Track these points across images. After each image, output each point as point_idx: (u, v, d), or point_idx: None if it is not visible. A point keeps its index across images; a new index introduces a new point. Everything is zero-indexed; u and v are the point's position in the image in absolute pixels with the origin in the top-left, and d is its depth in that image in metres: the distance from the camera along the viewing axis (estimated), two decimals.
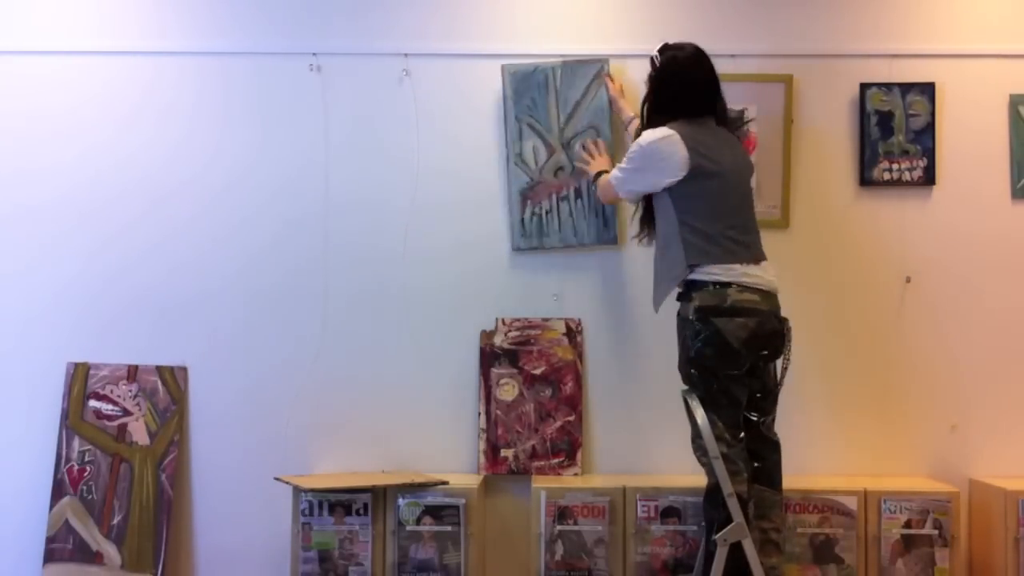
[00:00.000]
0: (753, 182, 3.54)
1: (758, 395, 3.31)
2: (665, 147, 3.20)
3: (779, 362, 3.34)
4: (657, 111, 3.32)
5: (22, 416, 3.88)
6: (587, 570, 3.56)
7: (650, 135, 3.25)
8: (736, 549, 3.13)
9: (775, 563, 3.28)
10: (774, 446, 3.37)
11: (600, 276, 3.88)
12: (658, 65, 3.33)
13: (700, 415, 3.16)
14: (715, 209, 3.21)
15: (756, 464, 3.30)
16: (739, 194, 3.30)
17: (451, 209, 3.88)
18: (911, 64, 3.87)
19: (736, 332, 3.13)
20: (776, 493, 3.34)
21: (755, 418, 3.32)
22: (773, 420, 3.38)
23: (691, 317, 3.18)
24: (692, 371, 3.22)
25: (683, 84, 3.29)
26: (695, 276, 3.18)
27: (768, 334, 3.21)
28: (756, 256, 3.25)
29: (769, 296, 3.22)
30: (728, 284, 3.15)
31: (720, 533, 3.13)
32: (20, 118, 3.92)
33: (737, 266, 3.17)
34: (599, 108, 3.84)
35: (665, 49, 3.33)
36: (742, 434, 3.23)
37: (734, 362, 3.16)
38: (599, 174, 3.60)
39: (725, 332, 3.12)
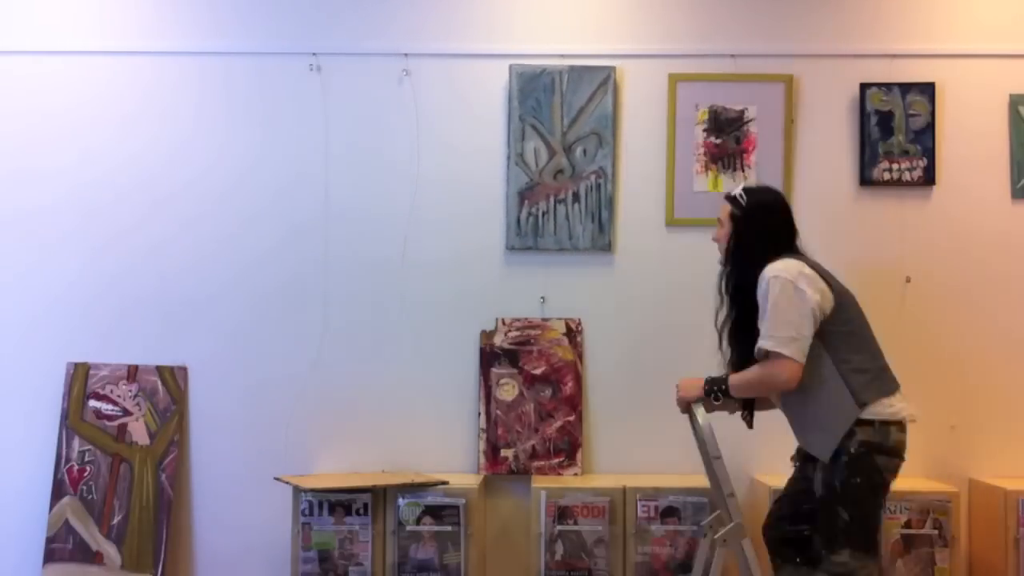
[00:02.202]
0: None
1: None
2: (804, 272, 2.97)
3: None
4: (763, 252, 3.07)
5: (22, 416, 3.88)
6: (587, 570, 3.56)
7: (782, 269, 2.97)
8: None
9: None
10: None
11: (592, 280, 3.88)
12: (745, 206, 3.13)
13: (701, 414, 3.14)
14: (862, 339, 3.02)
15: None
16: (868, 323, 3.08)
17: (451, 208, 3.88)
18: (911, 64, 3.87)
19: (893, 472, 2.97)
20: None
21: None
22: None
23: (852, 451, 2.92)
24: (846, 506, 2.94)
25: (781, 222, 3.14)
26: (868, 407, 2.94)
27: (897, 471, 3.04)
28: (898, 386, 3.05)
29: (906, 431, 3.03)
30: (890, 423, 2.94)
31: (720, 534, 3.13)
32: (21, 118, 3.92)
33: (896, 401, 2.97)
34: (603, 115, 3.85)
35: (750, 193, 3.16)
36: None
37: (882, 499, 3.00)
38: (716, 389, 3.12)
39: (885, 472, 2.95)
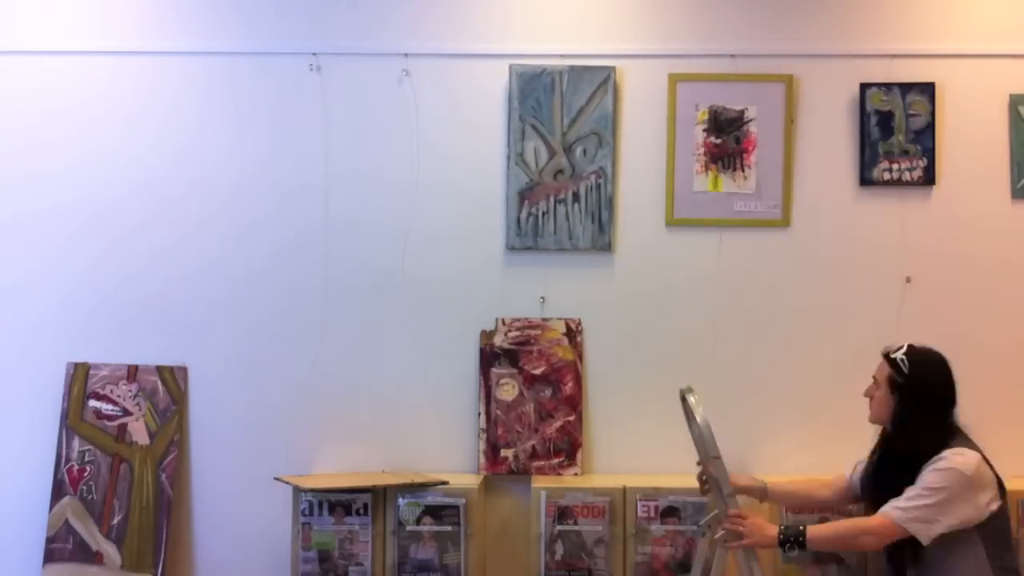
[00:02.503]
0: None
1: None
2: (984, 473, 2.94)
3: None
4: (933, 422, 3.04)
5: (22, 416, 3.88)
6: (587, 570, 3.56)
7: (966, 460, 2.93)
8: None
9: None
10: None
11: (592, 280, 3.87)
12: (909, 371, 3.08)
13: (700, 413, 3.14)
14: (1009, 535, 3.01)
15: None
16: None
17: (451, 208, 3.88)
18: (911, 64, 3.87)
19: None
20: None
21: None
22: None
23: None
24: None
25: (949, 394, 3.08)
26: None
27: None
28: None
29: None
30: None
31: (719, 534, 3.13)
32: (21, 119, 3.92)
33: None
34: (603, 115, 3.85)
35: (914, 354, 3.11)
36: None
37: None
38: (793, 540, 3.02)
39: None
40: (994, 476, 2.98)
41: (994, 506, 2.94)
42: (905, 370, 3.07)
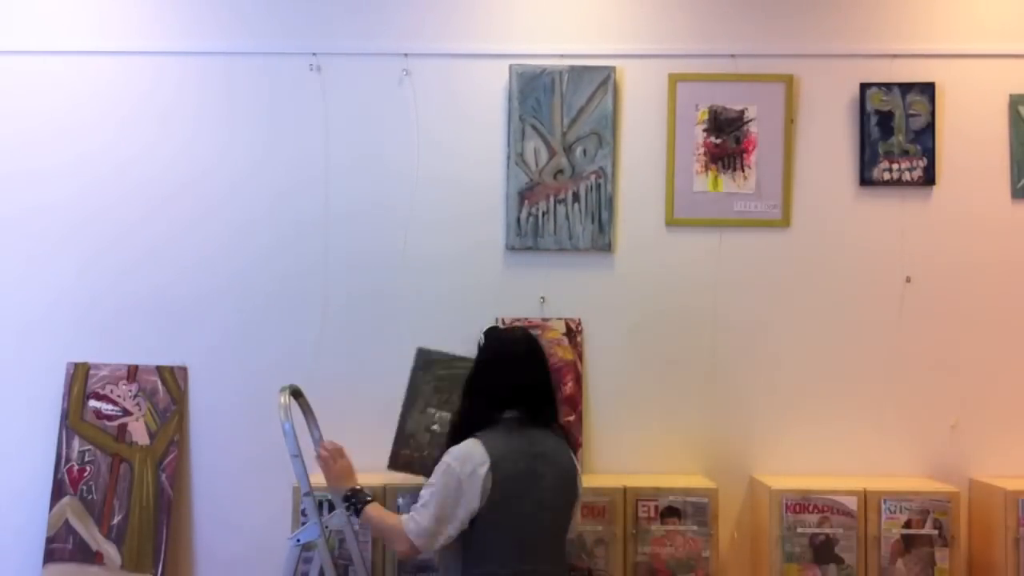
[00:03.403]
0: (578, 510, 3.03)
1: None
2: (480, 474, 2.75)
3: None
4: (475, 411, 2.89)
5: (22, 416, 3.88)
6: (587, 570, 3.56)
7: (458, 456, 2.79)
8: None
9: None
10: None
11: (592, 280, 3.87)
12: (482, 349, 3.00)
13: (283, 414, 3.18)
14: (507, 554, 2.79)
15: None
16: (542, 536, 2.85)
17: (451, 208, 3.88)
18: (911, 64, 3.87)
19: None
20: None
21: None
22: None
23: None
24: None
25: (509, 375, 2.88)
26: None
27: None
28: None
29: None
30: None
31: (293, 534, 3.21)
32: (21, 119, 3.92)
33: None
34: (603, 115, 3.85)
35: (489, 332, 3.07)
36: None
37: None
38: (357, 502, 2.99)
39: None
40: (496, 481, 2.75)
41: (478, 504, 2.76)
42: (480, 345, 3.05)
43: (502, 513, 2.77)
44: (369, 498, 3.01)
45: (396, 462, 3.57)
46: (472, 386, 2.94)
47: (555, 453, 2.89)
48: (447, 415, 3.42)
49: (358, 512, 2.99)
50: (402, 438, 3.57)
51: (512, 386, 2.87)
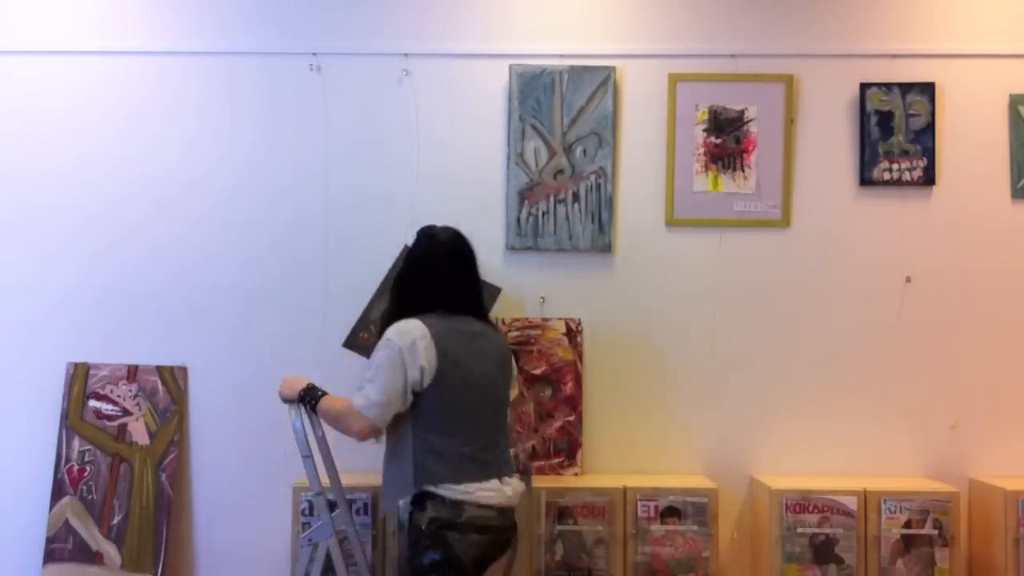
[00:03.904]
0: (514, 391, 3.29)
1: None
2: (421, 347, 2.90)
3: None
4: (406, 301, 3.04)
5: (22, 416, 3.88)
6: (587, 570, 3.56)
7: (400, 329, 2.93)
8: None
9: None
10: None
11: (592, 280, 3.87)
12: (412, 247, 3.12)
13: (294, 414, 3.16)
14: (455, 423, 2.93)
15: None
16: (488, 407, 3.02)
17: (451, 208, 3.87)
18: (911, 64, 3.87)
19: (467, 551, 2.90)
20: None
21: None
22: None
23: (423, 527, 2.91)
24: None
25: (437, 272, 3.03)
26: (429, 488, 2.91)
27: (497, 547, 3.01)
28: (498, 472, 2.99)
29: (506, 511, 3.00)
30: (463, 502, 2.89)
31: (306, 534, 3.25)
32: (21, 119, 3.92)
33: (472, 484, 2.91)
34: (603, 115, 3.85)
35: (422, 232, 3.12)
36: None
37: (465, 572, 2.92)
38: (312, 398, 3.11)
39: (456, 548, 2.89)
40: (438, 352, 2.90)
41: (426, 379, 2.89)
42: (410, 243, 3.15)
43: (448, 383, 2.91)
44: (322, 392, 3.11)
45: (352, 342, 3.72)
46: (402, 281, 3.11)
47: (490, 333, 3.09)
48: None
49: (314, 408, 3.10)
50: (363, 323, 3.69)
51: (440, 283, 3.02)
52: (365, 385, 2.94)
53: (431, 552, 2.90)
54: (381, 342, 2.95)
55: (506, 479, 3.00)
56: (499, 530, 2.98)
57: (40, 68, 3.92)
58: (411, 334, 2.91)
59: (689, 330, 3.87)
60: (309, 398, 3.12)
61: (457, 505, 2.89)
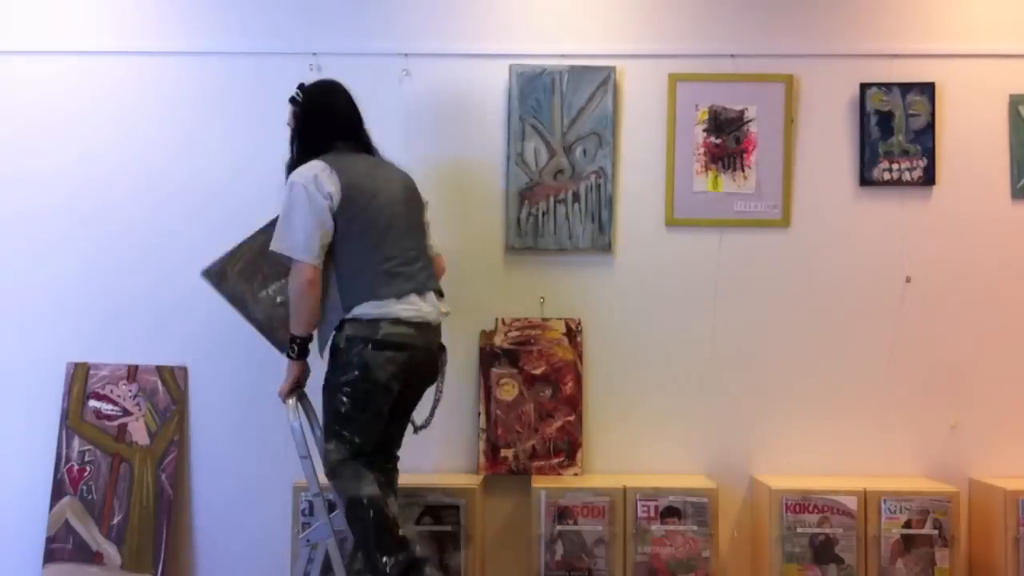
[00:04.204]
0: (429, 214, 3.40)
1: (401, 419, 3.25)
2: (324, 183, 3.10)
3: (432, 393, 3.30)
4: (305, 150, 3.24)
5: (22, 416, 3.88)
6: (587, 570, 3.56)
7: (301, 171, 3.14)
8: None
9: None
10: (395, 464, 3.32)
11: (592, 280, 3.87)
12: (300, 102, 3.30)
13: (291, 414, 3.23)
14: (369, 243, 3.12)
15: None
16: (398, 224, 3.18)
17: (451, 208, 3.88)
18: (911, 64, 3.87)
19: (384, 366, 3.05)
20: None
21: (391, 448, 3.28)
22: (401, 438, 3.32)
23: (341, 346, 3.08)
24: (334, 396, 3.11)
25: (326, 115, 3.26)
26: (354, 310, 3.08)
27: (418, 367, 3.15)
28: (417, 287, 3.15)
29: (425, 328, 3.14)
30: (380, 318, 3.05)
31: (304, 533, 3.28)
32: (20, 119, 3.92)
33: (391, 300, 3.08)
34: (603, 115, 3.85)
35: (303, 87, 3.32)
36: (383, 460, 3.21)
37: (378, 395, 3.07)
38: (290, 345, 3.25)
39: (372, 364, 3.04)
40: (340, 180, 3.09)
41: (334, 206, 3.09)
42: (299, 99, 3.30)
43: (356, 206, 3.09)
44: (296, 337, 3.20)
45: (282, 344, 3.45)
46: (297, 133, 3.28)
47: (388, 163, 3.29)
48: (278, 283, 3.46)
49: (301, 346, 3.21)
50: (268, 328, 3.55)
51: (332, 123, 3.24)
52: (286, 234, 3.09)
53: (350, 370, 3.05)
54: (286, 189, 3.13)
55: (426, 294, 3.16)
56: (417, 348, 3.11)
57: (37, 68, 3.92)
58: (312, 170, 3.10)
59: (689, 330, 3.87)
60: (293, 343, 3.20)
61: (374, 323, 3.04)
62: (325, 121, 3.25)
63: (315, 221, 3.06)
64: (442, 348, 3.27)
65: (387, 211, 3.15)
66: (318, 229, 3.07)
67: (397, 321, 3.06)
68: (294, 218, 3.08)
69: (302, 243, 3.07)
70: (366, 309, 3.06)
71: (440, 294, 3.28)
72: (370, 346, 3.04)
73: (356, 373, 3.04)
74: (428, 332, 3.16)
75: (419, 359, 3.13)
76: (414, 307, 3.11)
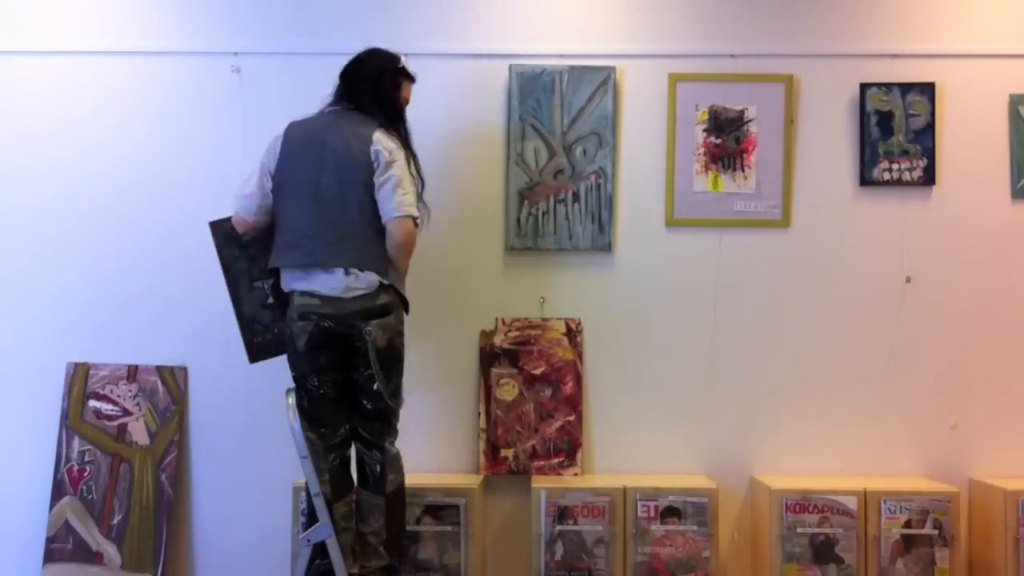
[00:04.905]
0: (386, 176, 3.26)
1: (365, 404, 3.29)
2: (272, 141, 3.35)
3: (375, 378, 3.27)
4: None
5: (22, 416, 3.88)
6: (587, 570, 3.56)
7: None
8: (323, 547, 3.20)
9: (375, 566, 3.27)
10: (378, 453, 3.32)
11: (592, 280, 3.87)
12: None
13: (291, 413, 3.27)
14: (283, 213, 3.28)
15: (362, 470, 3.34)
16: (319, 194, 3.22)
17: (451, 208, 3.88)
18: (911, 64, 3.87)
19: (298, 335, 3.23)
20: (375, 496, 3.29)
21: (362, 431, 3.33)
22: (381, 431, 3.32)
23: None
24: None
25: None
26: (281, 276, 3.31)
27: (330, 340, 3.22)
28: (325, 262, 3.21)
29: (333, 301, 3.20)
30: (293, 290, 3.26)
31: (304, 533, 3.26)
32: (19, 118, 3.92)
33: (298, 271, 3.24)
34: (603, 115, 3.85)
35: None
36: (329, 435, 3.30)
37: (299, 364, 3.27)
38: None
39: (293, 335, 3.24)
40: (282, 144, 3.31)
41: (269, 164, 3.34)
42: None
43: (280, 176, 3.26)
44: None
45: (255, 353, 3.52)
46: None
47: (349, 129, 3.27)
48: (270, 282, 3.45)
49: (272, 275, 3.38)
50: (247, 327, 3.51)
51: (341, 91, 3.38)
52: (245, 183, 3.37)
53: (284, 338, 3.31)
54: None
55: (336, 271, 3.20)
56: (325, 318, 3.20)
57: (35, 68, 3.91)
58: (276, 134, 3.33)
59: (689, 330, 3.87)
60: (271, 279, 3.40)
61: (291, 293, 3.26)
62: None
63: (257, 179, 3.31)
64: (370, 323, 3.21)
65: (320, 183, 3.22)
66: (257, 185, 3.31)
67: (304, 293, 3.22)
68: (254, 175, 3.37)
69: (241, 196, 3.37)
70: (285, 277, 3.28)
71: (367, 268, 3.23)
72: (287, 315, 3.27)
73: (288, 342, 3.29)
74: (337, 304, 3.20)
75: (327, 331, 3.21)
76: (318, 281, 3.20)
